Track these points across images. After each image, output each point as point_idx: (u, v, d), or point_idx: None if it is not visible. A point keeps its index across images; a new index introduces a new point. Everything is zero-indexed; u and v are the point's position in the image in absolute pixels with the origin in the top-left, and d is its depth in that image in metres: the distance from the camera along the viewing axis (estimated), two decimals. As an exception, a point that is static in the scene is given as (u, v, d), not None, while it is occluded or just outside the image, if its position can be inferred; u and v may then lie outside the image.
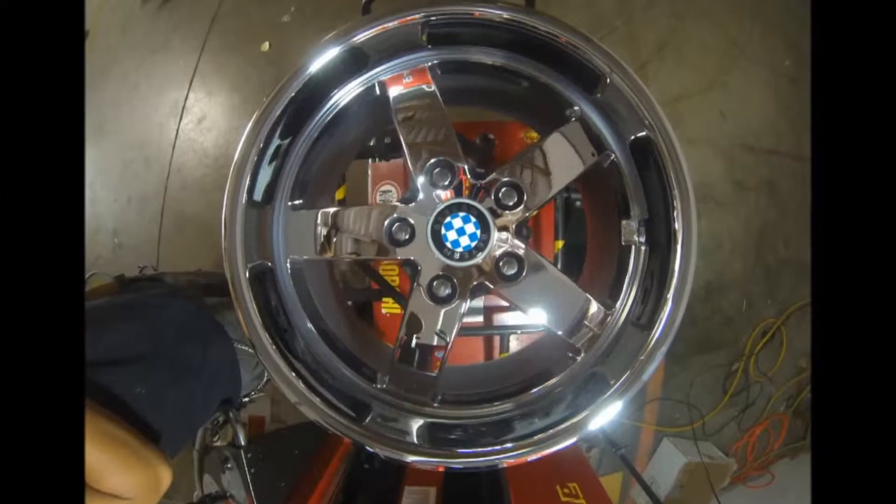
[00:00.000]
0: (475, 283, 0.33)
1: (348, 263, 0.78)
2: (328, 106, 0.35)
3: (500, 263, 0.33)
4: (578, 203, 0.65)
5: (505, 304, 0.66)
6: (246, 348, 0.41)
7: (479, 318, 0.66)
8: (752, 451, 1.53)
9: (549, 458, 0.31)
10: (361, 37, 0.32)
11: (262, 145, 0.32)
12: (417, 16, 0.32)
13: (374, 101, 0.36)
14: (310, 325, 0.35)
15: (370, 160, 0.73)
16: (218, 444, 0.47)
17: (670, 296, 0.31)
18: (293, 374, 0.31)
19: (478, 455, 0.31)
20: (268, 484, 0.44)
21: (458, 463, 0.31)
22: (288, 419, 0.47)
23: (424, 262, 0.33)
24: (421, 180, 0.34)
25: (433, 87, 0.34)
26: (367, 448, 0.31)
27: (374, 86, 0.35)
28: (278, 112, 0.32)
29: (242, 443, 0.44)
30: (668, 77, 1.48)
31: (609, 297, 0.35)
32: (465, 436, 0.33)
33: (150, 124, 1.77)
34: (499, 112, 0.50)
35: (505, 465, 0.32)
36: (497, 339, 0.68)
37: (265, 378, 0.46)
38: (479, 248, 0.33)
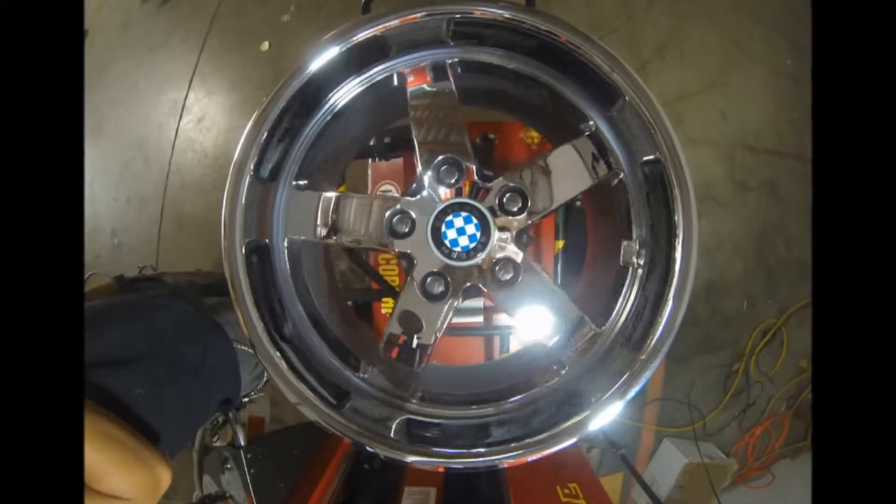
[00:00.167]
0: (469, 284, 0.33)
1: (348, 263, 0.78)
2: (345, 90, 0.35)
3: (496, 268, 0.33)
4: (579, 203, 0.65)
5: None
6: (245, 348, 0.41)
7: (479, 319, 0.66)
8: (752, 451, 1.53)
9: (550, 459, 0.31)
10: (385, 27, 0.32)
11: (273, 123, 0.32)
12: (418, 15, 0.32)
13: (390, 92, 0.36)
14: (300, 307, 0.35)
15: (370, 160, 0.73)
16: (217, 444, 0.47)
17: (664, 319, 0.31)
18: (285, 363, 0.31)
19: (478, 455, 0.31)
20: (267, 484, 0.44)
21: (458, 463, 0.31)
22: (288, 420, 0.47)
23: (421, 258, 0.33)
24: (427, 176, 0.34)
25: (451, 85, 0.34)
26: (368, 448, 0.31)
27: (392, 76, 0.35)
28: (284, 104, 0.32)
29: (242, 443, 0.44)
30: (669, 77, 1.48)
31: (601, 315, 0.35)
32: (441, 435, 0.33)
33: (149, 124, 1.77)
34: (514, 117, 0.49)
35: (505, 466, 0.32)
36: (497, 340, 0.68)
37: (265, 378, 0.46)
38: (477, 250, 0.33)
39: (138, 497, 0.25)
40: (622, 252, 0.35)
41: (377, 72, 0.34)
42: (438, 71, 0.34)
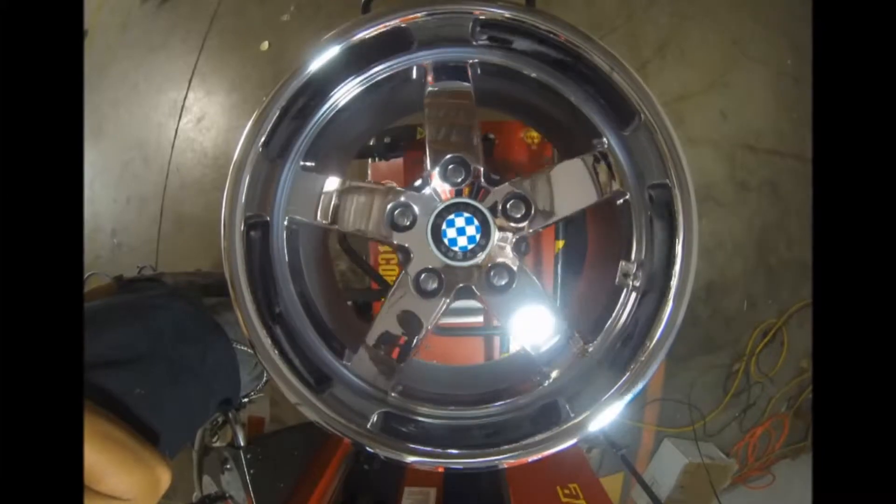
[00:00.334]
0: (462, 285, 0.33)
1: (348, 263, 0.78)
2: (362, 78, 0.34)
3: (491, 272, 0.33)
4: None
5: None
6: (245, 349, 0.41)
7: (480, 319, 0.66)
8: (753, 451, 1.53)
9: (550, 459, 0.31)
10: (410, 19, 0.32)
11: (286, 102, 0.32)
12: (419, 14, 0.32)
13: (401, 88, 0.36)
14: (292, 287, 0.34)
15: (370, 160, 0.73)
16: (217, 444, 0.46)
17: (654, 340, 0.31)
18: (270, 340, 0.31)
19: (478, 456, 0.31)
20: (267, 485, 0.44)
21: (457, 463, 0.31)
22: (288, 420, 0.47)
23: (418, 253, 0.33)
24: (434, 173, 0.34)
25: (470, 86, 0.34)
26: (367, 448, 0.31)
27: (411, 69, 0.35)
28: (287, 98, 0.32)
29: (242, 443, 0.44)
30: (669, 76, 1.48)
31: (591, 332, 0.35)
32: (418, 432, 0.32)
33: (149, 124, 1.77)
34: (528, 125, 0.49)
35: (505, 466, 0.32)
36: (497, 340, 0.68)
37: (264, 378, 0.46)
38: (475, 252, 0.33)
39: (138, 497, 0.25)
40: (619, 272, 0.35)
41: (396, 64, 0.34)
42: (458, 70, 0.34)
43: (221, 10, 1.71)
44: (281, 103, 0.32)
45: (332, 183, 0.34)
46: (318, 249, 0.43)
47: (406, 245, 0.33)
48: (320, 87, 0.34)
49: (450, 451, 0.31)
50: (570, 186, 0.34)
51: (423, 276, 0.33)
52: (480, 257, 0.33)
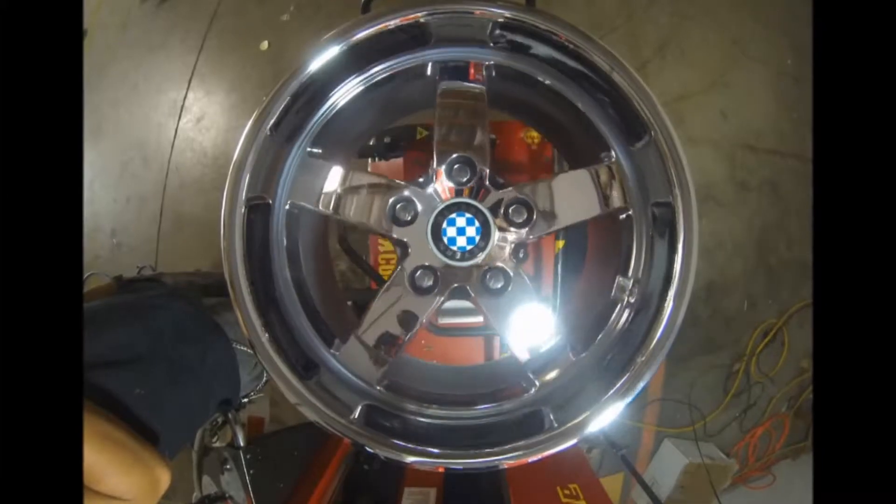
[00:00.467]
0: (457, 284, 0.33)
1: (348, 263, 0.78)
2: (378, 69, 0.34)
3: (487, 275, 0.33)
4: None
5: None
6: (245, 349, 0.41)
7: (480, 319, 0.66)
8: (753, 451, 1.53)
9: (550, 459, 0.31)
10: (430, 16, 0.32)
11: (301, 84, 0.32)
12: (420, 14, 0.32)
13: (419, 82, 0.35)
14: (288, 272, 0.34)
15: (370, 159, 0.73)
16: (217, 445, 0.46)
17: (645, 356, 0.31)
18: (261, 321, 0.31)
19: (478, 456, 0.31)
20: (267, 485, 0.44)
21: (457, 464, 0.31)
22: (287, 420, 0.47)
23: (416, 249, 0.33)
24: (440, 171, 0.34)
25: (483, 87, 0.34)
26: (367, 449, 0.31)
27: (426, 65, 0.34)
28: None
29: (241, 444, 0.44)
30: (670, 76, 1.48)
31: (582, 342, 0.35)
32: (402, 428, 0.32)
33: (148, 124, 1.77)
34: (538, 132, 0.49)
35: (505, 467, 0.32)
36: (498, 341, 0.68)
37: (264, 378, 0.46)
38: (473, 253, 0.33)
39: (137, 498, 0.25)
40: (614, 287, 0.35)
41: (412, 59, 0.34)
42: (474, 71, 0.34)
43: (221, 10, 1.71)
44: (294, 88, 0.32)
45: (337, 171, 0.34)
46: (317, 238, 0.43)
47: (405, 240, 0.33)
48: (337, 74, 0.34)
49: (438, 450, 0.31)
50: (574, 197, 0.34)
51: (418, 272, 0.33)
52: (478, 259, 0.33)
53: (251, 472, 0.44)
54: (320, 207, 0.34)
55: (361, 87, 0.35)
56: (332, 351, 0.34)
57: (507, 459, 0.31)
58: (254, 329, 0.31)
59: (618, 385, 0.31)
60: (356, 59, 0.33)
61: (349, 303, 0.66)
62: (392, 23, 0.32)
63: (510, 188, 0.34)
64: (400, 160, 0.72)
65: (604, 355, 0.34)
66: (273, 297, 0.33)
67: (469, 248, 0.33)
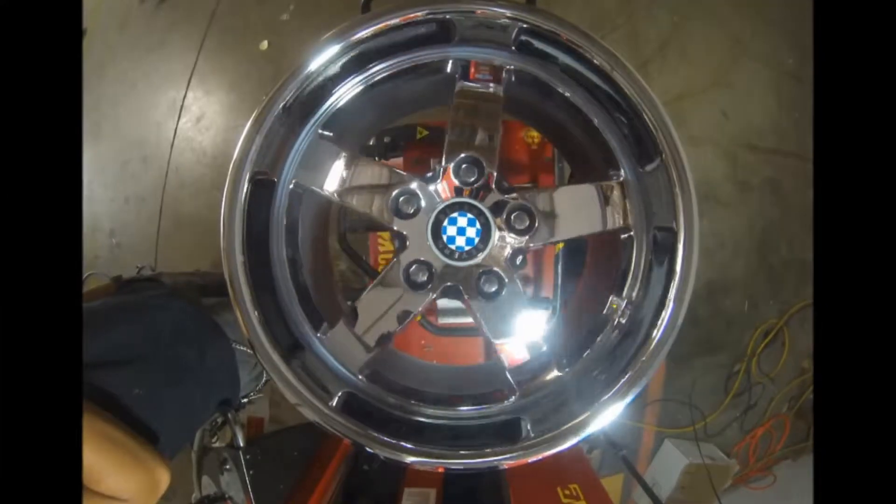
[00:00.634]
0: (450, 283, 0.33)
1: (348, 263, 0.78)
2: (399, 61, 0.34)
3: (482, 277, 0.33)
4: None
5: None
6: (244, 349, 0.41)
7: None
8: (754, 452, 1.53)
9: (550, 460, 0.31)
10: (455, 13, 0.32)
11: (318, 67, 0.32)
12: (420, 13, 0.32)
13: (440, 78, 0.35)
14: (285, 252, 0.34)
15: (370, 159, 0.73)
16: (216, 445, 0.46)
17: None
18: (250, 292, 0.31)
19: (478, 456, 0.31)
20: (267, 485, 0.44)
21: (458, 464, 0.31)
22: (287, 420, 0.47)
23: (413, 244, 0.33)
24: (449, 168, 0.33)
25: (500, 90, 0.34)
26: (367, 449, 0.31)
27: (446, 62, 0.34)
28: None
29: (241, 444, 0.44)
30: (671, 75, 1.48)
31: (569, 357, 0.35)
32: (380, 421, 0.32)
33: (147, 123, 1.77)
34: (549, 141, 0.48)
35: (505, 467, 0.32)
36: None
37: (264, 379, 0.46)
38: (471, 255, 0.33)
39: (137, 498, 0.25)
40: (607, 305, 0.35)
41: (433, 53, 0.34)
42: (495, 72, 0.34)
43: (220, 10, 1.71)
44: (311, 68, 0.32)
45: (345, 156, 0.34)
46: (317, 222, 0.43)
47: (404, 233, 0.33)
48: (360, 61, 0.33)
49: (413, 446, 0.31)
50: (578, 211, 0.34)
51: (413, 267, 0.33)
52: (475, 260, 0.33)
53: (251, 472, 0.44)
54: (325, 190, 0.34)
55: (382, 76, 0.34)
56: (319, 334, 0.34)
57: (507, 460, 0.31)
58: (244, 302, 0.31)
59: (618, 385, 0.31)
60: (378, 50, 0.33)
61: (348, 303, 0.66)
62: (393, 21, 0.32)
63: (514, 194, 0.34)
64: (399, 160, 0.72)
65: (588, 373, 0.34)
66: (267, 274, 0.33)
67: (467, 248, 0.33)
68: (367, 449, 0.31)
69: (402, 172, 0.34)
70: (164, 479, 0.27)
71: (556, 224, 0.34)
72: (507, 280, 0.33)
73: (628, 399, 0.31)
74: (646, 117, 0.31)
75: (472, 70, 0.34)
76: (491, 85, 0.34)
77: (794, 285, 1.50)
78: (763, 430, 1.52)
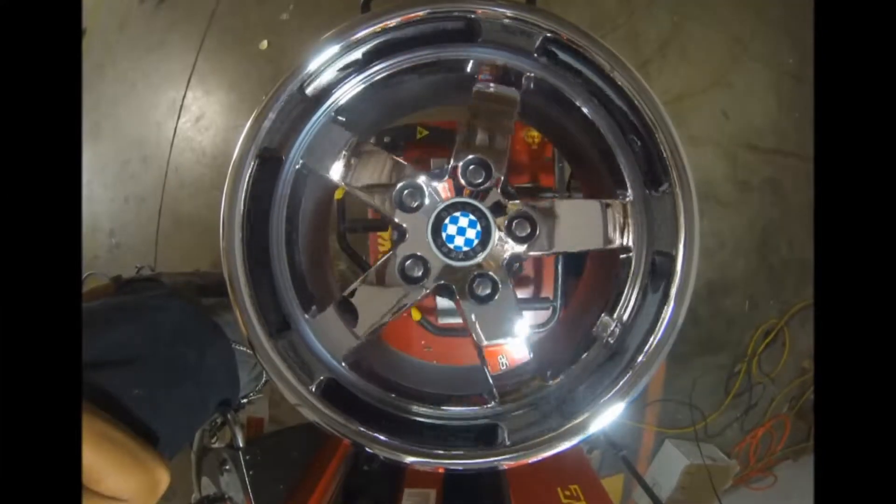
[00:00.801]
0: (444, 282, 0.33)
1: (348, 263, 0.78)
2: (421, 55, 0.34)
3: (476, 280, 0.33)
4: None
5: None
6: (244, 349, 0.41)
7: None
8: (754, 452, 1.53)
9: (550, 460, 0.31)
10: (483, 12, 0.32)
11: (340, 50, 0.32)
12: (420, 13, 0.32)
13: (458, 76, 0.35)
14: (283, 228, 0.34)
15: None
16: (216, 445, 0.46)
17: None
18: (243, 264, 0.31)
19: (478, 456, 0.31)
20: (266, 486, 0.44)
21: (458, 465, 0.31)
22: (287, 421, 0.47)
23: (412, 238, 0.33)
24: (458, 167, 0.34)
25: (518, 96, 0.34)
26: (367, 449, 0.31)
27: (467, 62, 0.34)
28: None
29: (241, 444, 0.44)
30: (671, 75, 1.48)
31: (555, 368, 0.34)
32: (359, 410, 0.32)
33: (147, 123, 1.77)
34: (559, 152, 0.48)
35: (505, 468, 0.31)
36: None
37: (263, 379, 0.46)
38: (468, 256, 0.33)
39: (137, 498, 0.25)
40: (598, 324, 0.34)
41: (456, 51, 0.34)
42: (514, 77, 0.34)
43: (220, 9, 1.71)
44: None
45: (356, 143, 0.34)
46: (319, 205, 0.43)
47: (404, 226, 0.33)
48: (381, 51, 0.33)
49: (386, 438, 0.31)
50: (580, 225, 0.34)
51: (409, 261, 0.33)
52: (471, 262, 0.33)
53: (250, 473, 0.44)
54: (331, 174, 0.34)
55: (403, 67, 0.34)
56: (307, 316, 0.34)
57: (507, 461, 0.31)
58: (236, 274, 0.31)
59: (619, 385, 0.31)
60: (403, 41, 0.33)
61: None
62: (393, 21, 0.32)
63: (518, 201, 0.34)
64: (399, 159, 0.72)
65: (572, 389, 0.33)
66: (264, 249, 0.33)
67: (465, 249, 0.33)
68: (367, 449, 0.31)
69: (409, 166, 0.34)
70: (163, 479, 0.27)
71: (557, 236, 0.34)
72: (500, 285, 0.33)
73: (623, 402, 0.31)
74: (659, 141, 0.31)
75: (492, 72, 0.34)
76: (509, 89, 0.34)
77: (795, 285, 1.50)
78: (763, 430, 1.52)
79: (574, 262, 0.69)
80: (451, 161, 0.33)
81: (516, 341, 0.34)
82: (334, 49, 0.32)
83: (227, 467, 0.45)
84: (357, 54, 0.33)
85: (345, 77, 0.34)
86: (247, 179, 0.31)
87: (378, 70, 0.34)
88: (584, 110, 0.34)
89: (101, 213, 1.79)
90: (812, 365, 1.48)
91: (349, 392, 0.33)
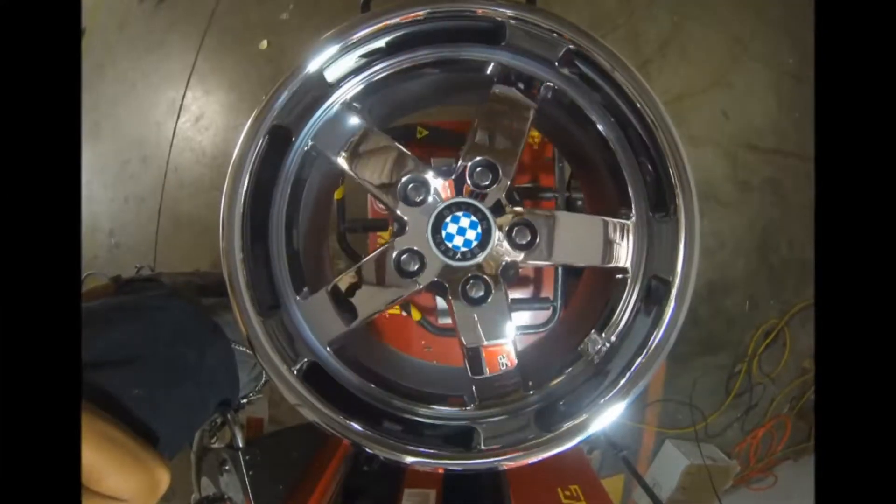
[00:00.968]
0: (437, 279, 0.33)
1: (347, 263, 0.78)
2: (444, 52, 0.34)
3: (470, 282, 0.33)
4: (580, 203, 0.65)
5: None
6: (244, 349, 0.41)
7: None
8: (754, 453, 1.53)
9: (551, 460, 0.31)
10: (512, 18, 0.32)
11: (364, 36, 0.32)
12: (422, 12, 0.32)
13: (477, 76, 0.35)
14: (285, 207, 0.34)
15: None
16: (216, 446, 0.46)
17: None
18: (241, 240, 0.31)
19: (478, 457, 0.31)
20: (266, 486, 0.44)
21: (458, 465, 0.31)
22: (287, 421, 0.47)
23: (412, 232, 0.33)
24: (467, 167, 0.34)
25: (534, 104, 0.34)
26: (367, 450, 0.31)
27: (487, 64, 0.34)
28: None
29: (240, 445, 0.44)
30: (671, 75, 1.48)
31: (539, 379, 0.35)
32: (338, 397, 0.32)
33: (147, 123, 1.77)
34: (567, 161, 0.50)
35: (505, 468, 0.31)
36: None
37: (263, 379, 0.46)
38: (465, 256, 0.33)
39: (137, 498, 0.25)
40: (586, 341, 0.34)
41: (478, 52, 0.34)
42: (533, 85, 0.34)
43: (220, 9, 1.71)
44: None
45: (367, 131, 0.34)
46: (322, 190, 0.43)
47: (405, 219, 0.33)
48: (403, 43, 0.33)
49: (361, 428, 0.31)
50: (581, 240, 0.34)
51: (405, 255, 0.33)
52: (468, 262, 0.33)
53: (250, 473, 0.44)
54: (339, 159, 0.34)
55: (426, 61, 0.34)
56: (298, 297, 0.34)
57: (507, 461, 0.31)
58: (232, 247, 0.31)
59: (618, 386, 0.31)
60: (427, 35, 0.33)
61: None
62: (392, 20, 0.32)
63: (521, 209, 0.33)
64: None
65: (552, 403, 0.33)
66: (263, 223, 0.33)
67: (462, 249, 0.33)
68: (367, 450, 0.31)
69: (418, 159, 0.34)
70: (164, 479, 0.27)
71: (555, 247, 0.34)
72: (493, 290, 0.33)
73: (629, 399, 0.31)
74: (670, 167, 0.31)
75: (512, 77, 0.34)
76: (526, 96, 0.34)
77: (795, 285, 1.49)
78: (764, 430, 1.52)
79: (570, 268, 0.68)
80: (460, 160, 0.33)
81: (503, 346, 0.33)
82: (364, 33, 0.32)
83: (227, 467, 0.45)
84: (381, 43, 0.33)
85: (366, 65, 0.34)
86: (256, 153, 0.31)
87: (401, 60, 0.34)
88: (599, 127, 0.34)
89: (101, 213, 1.79)
90: (813, 365, 1.48)
91: (330, 378, 0.33)
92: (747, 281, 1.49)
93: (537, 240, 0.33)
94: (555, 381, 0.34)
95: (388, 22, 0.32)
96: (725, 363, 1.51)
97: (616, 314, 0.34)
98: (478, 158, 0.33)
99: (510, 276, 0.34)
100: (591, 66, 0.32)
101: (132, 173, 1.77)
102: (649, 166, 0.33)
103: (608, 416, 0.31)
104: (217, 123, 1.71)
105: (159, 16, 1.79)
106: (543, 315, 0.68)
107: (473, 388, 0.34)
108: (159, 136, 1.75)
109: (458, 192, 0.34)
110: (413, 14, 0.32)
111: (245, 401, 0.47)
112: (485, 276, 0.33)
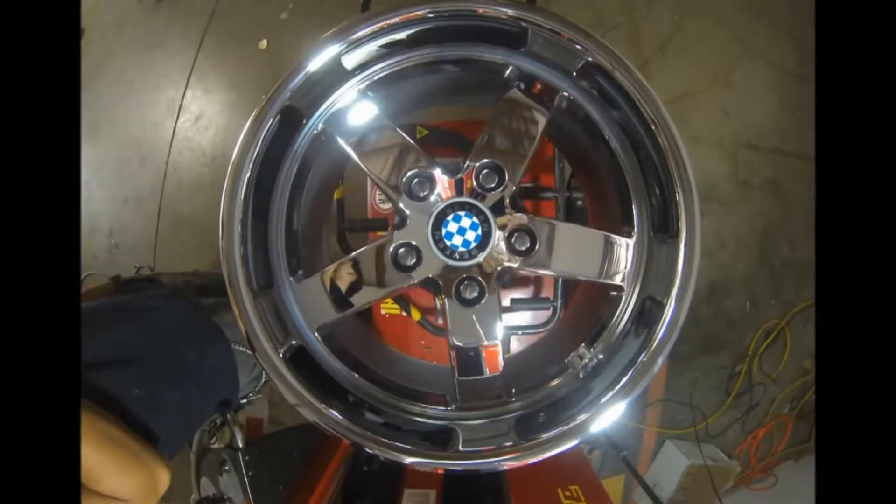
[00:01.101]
0: (432, 275, 0.33)
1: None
2: (465, 51, 0.34)
3: (463, 282, 0.33)
4: (580, 203, 0.65)
5: (506, 304, 0.65)
6: (244, 349, 0.41)
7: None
8: (755, 453, 1.53)
9: (551, 461, 0.31)
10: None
11: (385, 27, 0.32)
12: (421, 12, 0.32)
13: (494, 78, 0.35)
14: (289, 187, 0.34)
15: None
16: (215, 446, 0.46)
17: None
18: (241, 215, 0.31)
19: (478, 457, 0.31)
20: (266, 487, 0.44)
21: (458, 465, 0.31)
22: (286, 421, 0.47)
23: (412, 226, 0.33)
24: (473, 167, 0.33)
25: (547, 112, 0.34)
26: (367, 450, 0.31)
27: (508, 67, 0.34)
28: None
29: (240, 445, 0.44)
30: (672, 75, 1.47)
31: (517, 390, 0.34)
32: (322, 384, 0.32)
33: (146, 123, 1.77)
34: (574, 170, 0.50)
35: (504, 468, 0.31)
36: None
37: (263, 379, 0.46)
38: (463, 257, 0.33)
39: (137, 498, 0.25)
40: (574, 354, 0.34)
41: (498, 55, 0.34)
42: (549, 93, 0.34)
43: (219, 8, 1.71)
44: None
45: (379, 121, 0.34)
46: (328, 176, 0.43)
47: (406, 212, 0.33)
48: (427, 37, 0.33)
49: (341, 417, 0.30)
50: (580, 252, 0.34)
51: (403, 248, 0.33)
52: (465, 263, 0.33)
53: (250, 473, 0.44)
54: (348, 144, 0.34)
55: (446, 57, 0.34)
56: (291, 279, 0.34)
57: (507, 461, 0.31)
58: (231, 221, 0.31)
59: (619, 385, 0.31)
60: (451, 32, 0.33)
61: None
62: (392, 20, 0.32)
63: (523, 215, 0.33)
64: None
65: (533, 413, 0.33)
66: (265, 200, 0.33)
67: (460, 249, 0.33)
68: (367, 450, 0.31)
69: (426, 154, 0.34)
70: (164, 479, 0.27)
71: (554, 257, 0.34)
72: (487, 293, 0.33)
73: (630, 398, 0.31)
74: (677, 192, 0.31)
75: (529, 83, 0.34)
76: (541, 103, 0.34)
77: (796, 285, 1.49)
78: (765, 430, 1.52)
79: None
80: (468, 160, 0.33)
81: (491, 349, 0.33)
82: (364, 33, 0.32)
83: (227, 468, 0.45)
84: (402, 35, 0.33)
85: (385, 55, 0.34)
86: (266, 130, 0.31)
87: (423, 54, 0.34)
88: (611, 143, 0.34)
89: (100, 213, 1.79)
90: (813, 365, 1.48)
91: (315, 363, 0.33)
92: (748, 281, 1.49)
93: (536, 247, 0.33)
94: (538, 391, 0.34)
95: (389, 21, 0.32)
96: (726, 363, 1.51)
97: (606, 331, 0.34)
98: (485, 160, 0.33)
99: (505, 281, 0.34)
100: (609, 80, 0.32)
101: (131, 173, 1.77)
102: (657, 189, 0.33)
103: (609, 417, 0.31)
104: (217, 123, 1.70)
105: (159, 15, 1.79)
106: (544, 315, 0.68)
107: (456, 388, 0.34)
108: (158, 135, 1.75)
109: (459, 192, 0.34)
110: (412, 14, 0.32)
111: (245, 401, 0.47)
112: (479, 279, 0.33)
